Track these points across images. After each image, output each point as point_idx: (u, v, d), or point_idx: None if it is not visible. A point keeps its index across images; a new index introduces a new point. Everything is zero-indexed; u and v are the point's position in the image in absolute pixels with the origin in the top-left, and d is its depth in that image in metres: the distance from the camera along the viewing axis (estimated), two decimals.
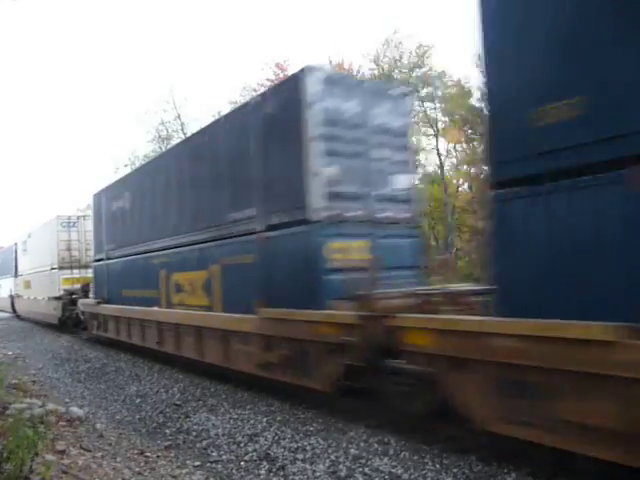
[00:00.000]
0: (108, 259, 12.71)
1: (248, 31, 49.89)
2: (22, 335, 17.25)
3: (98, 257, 13.53)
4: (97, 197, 13.85)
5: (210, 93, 51.80)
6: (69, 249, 17.43)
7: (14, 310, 25.31)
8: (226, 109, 24.23)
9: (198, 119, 25.83)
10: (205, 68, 50.03)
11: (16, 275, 24.35)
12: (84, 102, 64.20)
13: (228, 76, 46.09)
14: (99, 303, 12.73)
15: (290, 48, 45.86)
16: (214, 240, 8.00)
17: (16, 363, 10.83)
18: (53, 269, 17.61)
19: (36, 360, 11.38)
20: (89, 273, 16.12)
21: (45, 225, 19.13)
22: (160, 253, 9.89)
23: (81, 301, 14.97)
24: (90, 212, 16.83)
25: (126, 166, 27.71)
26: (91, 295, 14.73)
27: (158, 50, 54.28)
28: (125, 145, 54.50)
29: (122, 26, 54.50)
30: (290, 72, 21.64)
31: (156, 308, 9.76)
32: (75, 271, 17.28)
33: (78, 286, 16.47)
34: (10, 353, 12.23)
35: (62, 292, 16.69)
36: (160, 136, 28.42)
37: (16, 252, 24.22)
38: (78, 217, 17.98)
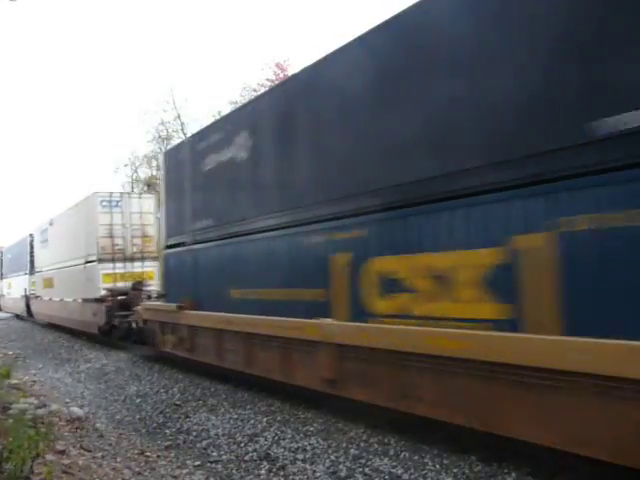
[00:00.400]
0: (196, 243, 8.39)
1: (248, 31, 49.93)
2: (22, 335, 17.25)
3: (174, 242, 9.21)
4: (172, 154, 9.63)
5: (210, 93, 51.78)
6: (111, 236, 13.39)
7: (30, 313, 21.27)
8: (226, 109, 24.21)
9: (198, 119, 25.83)
10: (205, 68, 50.06)
11: (32, 272, 20.71)
12: (84, 102, 64.22)
13: (228, 76, 46.09)
14: (181, 308, 8.43)
15: (290, 48, 45.88)
16: (536, 182, 3.79)
17: (16, 363, 10.85)
18: (89, 262, 13.73)
19: (36, 360, 11.39)
20: (135, 268, 13.52)
21: (78, 206, 15.00)
22: (335, 225, 5.50)
23: (145, 305, 10.60)
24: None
25: (126, 166, 27.70)
26: (144, 296, 11.91)
27: (158, 50, 54.31)
28: (125, 145, 54.55)
29: (123, 26, 54.55)
30: (290, 72, 21.70)
31: (330, 321, 5.42)
32: (118, 265, 13.40)
33: (125, 284, 12.91)
34: (10, 353, 12.25)
35: (103, 292, 12.86)
36: (160, 136, 28.43)
37: (31, 245, 20.69)
38: (121, 194, 14.28)
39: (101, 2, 57.63)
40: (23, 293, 22.05)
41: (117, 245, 13.46)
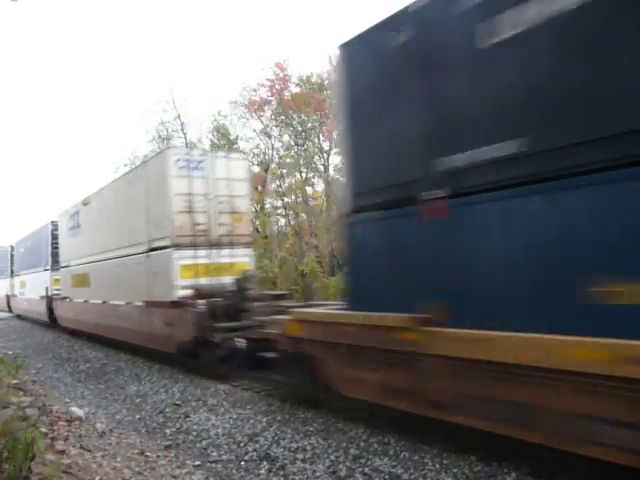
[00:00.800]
0: (456, 195, 4.28)
1: (248, 31, 49.93)
2: (22, 335, 17.24)
3: (374, 201, 5.16)
4: (364, 43, 5.30)
5: (210, 93, 51.76)
6: (190, 211, 9.23)
7: (52, 319, 17.37)
8: (226, 109, 24.19)
9: (198, 119, 25.74)
10: (205, 68, 50.00)
11: (53, 268, 17.31)
12: (83, 103, 64.19)
13: (228, 76, 45.99)
14: (421, 323, 4.40)
15: (290, 48, 45.86)
16: None
17: (16, 363, 10.85)
18: (157, 249, 9.59)
19: (36, 360, 11.39)
20: (222, 257, 9.48)
21: (137, 171, 11.14)
22: None
23: (302, 313, 6.23)
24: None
25: (125, 165, 27.54)
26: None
27: (159, 51, 54.34)
28: (125, 145, 54.54)
29: (123, 27, 54.54)
30: (290, 72, 21.61)
31: None
32: (200, 252, 9.26)
33: (211, 281, 9.20)
34: (10, 353, 12.24)
35: (181, 292, 8.93)
36: (160, 136, 28.31)
37: (54, 234, 17.24)
38: (204, 152, 10.35)
39: (102, 3, 57.67)
40: (43, 293, 18.18)
41: (199, 224, 9.30)
